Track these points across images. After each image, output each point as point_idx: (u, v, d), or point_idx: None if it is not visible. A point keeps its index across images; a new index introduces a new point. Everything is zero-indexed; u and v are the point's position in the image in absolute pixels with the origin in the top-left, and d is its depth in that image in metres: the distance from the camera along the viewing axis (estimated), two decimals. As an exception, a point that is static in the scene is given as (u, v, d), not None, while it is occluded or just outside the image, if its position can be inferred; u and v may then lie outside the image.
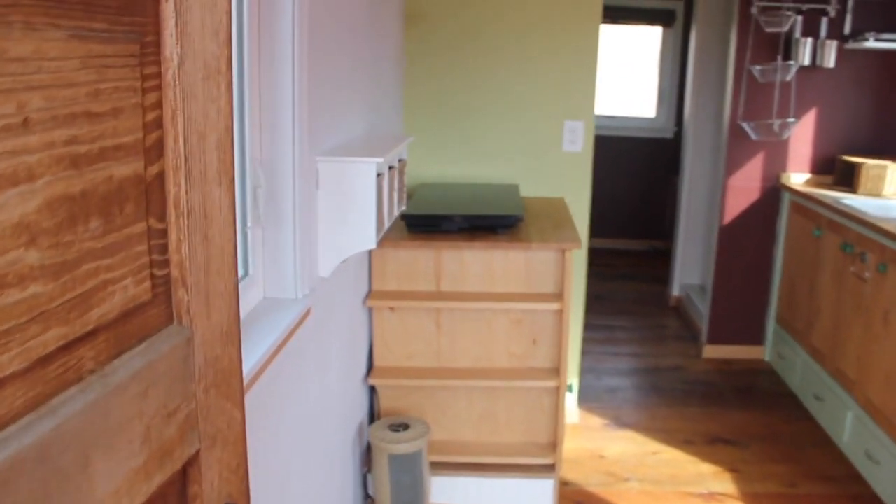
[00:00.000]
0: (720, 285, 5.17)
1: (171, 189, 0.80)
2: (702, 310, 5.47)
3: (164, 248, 0.80)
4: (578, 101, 3.76)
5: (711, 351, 5.24)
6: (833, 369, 4.18)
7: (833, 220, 4.26)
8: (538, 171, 3.82)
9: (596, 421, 4.18)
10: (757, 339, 5.24)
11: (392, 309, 3.08)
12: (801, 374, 4.61)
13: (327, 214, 2.29)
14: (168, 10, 0.76)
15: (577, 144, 3.78)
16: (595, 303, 6.18)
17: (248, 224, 2.00)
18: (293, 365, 2.14)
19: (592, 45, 3.72)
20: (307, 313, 2.14)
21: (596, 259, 7.45)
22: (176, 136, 0.79)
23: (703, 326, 5.31)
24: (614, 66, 7.98)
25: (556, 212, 3.49)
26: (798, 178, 4.97)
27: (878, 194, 4.63)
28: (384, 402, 3.21)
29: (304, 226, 2.12)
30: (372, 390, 3.20)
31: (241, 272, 2.02)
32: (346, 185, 2.26)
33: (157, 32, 0.76)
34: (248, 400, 1.79)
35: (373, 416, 3.25)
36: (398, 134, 3.57)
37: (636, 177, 7.98)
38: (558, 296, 3.03)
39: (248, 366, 1.73)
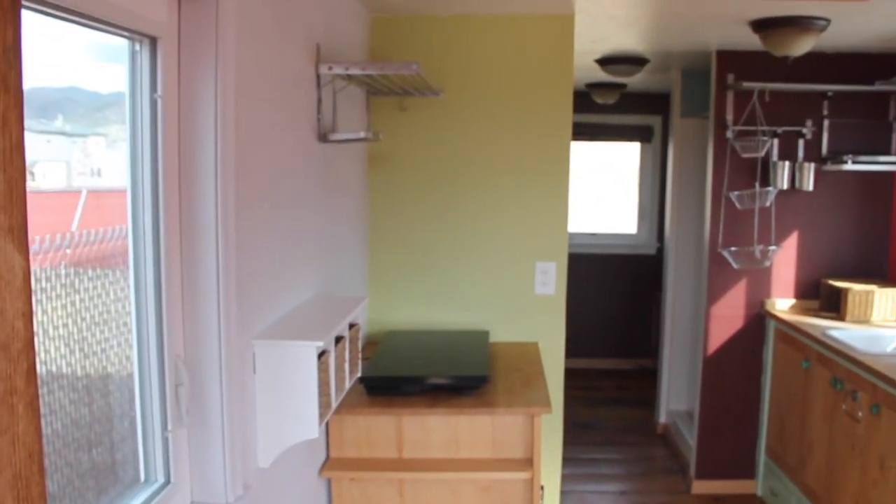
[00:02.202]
0: (706, 417, 4.95)
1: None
2: (689, 440, 5.24)
3: None
4: (550, 242, 3.61)
5: (701, 486, 4.99)
6: (830, 512, 3.94)
7: (821, 354, 4.07)
8: (510, 315, 3.65)
9: (579, 578, 3.92)
10: (748, 472, 5.00)
11: (352, 480, 2.86)
12: (797, 513, 4.37)
13: (266, 401, 2.10)
14: None
15: (550, 287, 3.61)
16: (581, 433, 5.95)
17: (169, 427, 1.80)
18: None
19: (563, 185, 3.58)
20: (241, 517, 1.93)
21: (582, 382, 7.28)
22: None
23: (692, 459, 5.07)
24: (594, 182, 7.92)
25: (527, 363, 3.30)
26: (783, 303, 4.81)
27: (866, 321, 4.47)
28: (347, 576, 2.96)
29: (237, 420, 1.92)
30: (334, 564, 2.96)
31: (162, 479, 1.82)
32: (285, 369, 2.07)
33: None
34: None
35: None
36: (356, 291, 3.40)
37: (621, 294, 7.83)
38: (528, 462, 2.82)
39: None
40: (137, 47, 1.68)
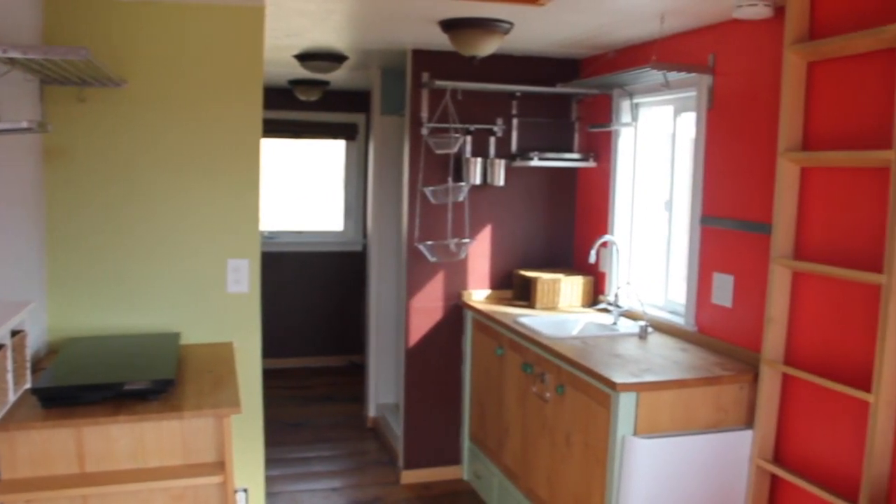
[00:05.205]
0: (412, 408, 5.07)
1: None
2: (397, 432, 5.33)
3: None
4: (242, 238, 3.51)
5: (410, 476, 5.10)
6: (526, 489, 4.15)
7: (513, 340, 4.28)
8: (202, 315, 3.51)
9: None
10: (454, 458, 5.17)
11: (28, 502, 2.63)
12: (498, 493, 4.57)
13: None
14: None
15: (243, 285, 3.52)
16: (293, 432, 5.90)
17: None
18: None
19: (253, 181, 3.50)
20: None
21: (293, 381, 7.24)
22: None
23: (400, 450, 5.16)
24: (301, 180, 7.88)
25: (219, 363, 3.19)
26: (479, 294, 5.02)
27: (553, 308, 4.75)
28: None
29: None
30: None
31: None
32: (-71, 384, 1.86)
33: None
34: None
35: None
36: (31, 296, 3.12)
37: (329, 291, 7.86)
38: (221, 465, 2.72)
39: None
40: None
